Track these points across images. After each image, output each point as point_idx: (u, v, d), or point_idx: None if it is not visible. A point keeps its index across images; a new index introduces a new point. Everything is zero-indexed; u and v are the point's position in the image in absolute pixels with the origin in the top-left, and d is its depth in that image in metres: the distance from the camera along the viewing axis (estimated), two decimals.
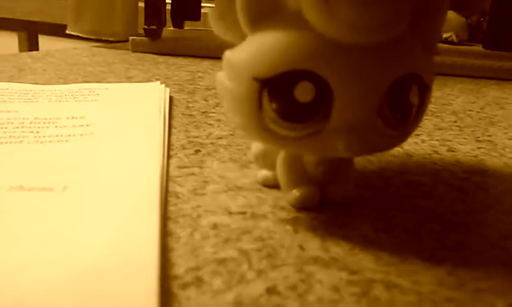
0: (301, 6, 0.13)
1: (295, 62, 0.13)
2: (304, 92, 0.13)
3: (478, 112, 0.30)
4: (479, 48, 0.47)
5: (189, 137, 0.22)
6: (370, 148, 0.14)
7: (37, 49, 1.04)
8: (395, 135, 0.14)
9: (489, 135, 0.25)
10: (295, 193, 0.16)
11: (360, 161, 0.20)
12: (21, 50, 1.06)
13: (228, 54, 0.14)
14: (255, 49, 0.13)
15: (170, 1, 0.49)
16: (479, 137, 0.24)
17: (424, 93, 0.14)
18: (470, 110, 0.30)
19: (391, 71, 0.13)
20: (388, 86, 0.13)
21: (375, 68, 0.13)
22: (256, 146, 0.17)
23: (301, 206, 0.16)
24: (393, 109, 0.13)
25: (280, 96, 0.13)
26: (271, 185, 0.17)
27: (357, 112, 0.13)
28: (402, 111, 0.14)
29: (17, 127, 0.21)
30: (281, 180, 0.16)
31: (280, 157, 0.16)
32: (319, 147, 0.14)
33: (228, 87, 0.14)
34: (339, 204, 0.16)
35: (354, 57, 0.13)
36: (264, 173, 0.17)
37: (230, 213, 0.15)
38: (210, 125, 0.24)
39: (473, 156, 0.22)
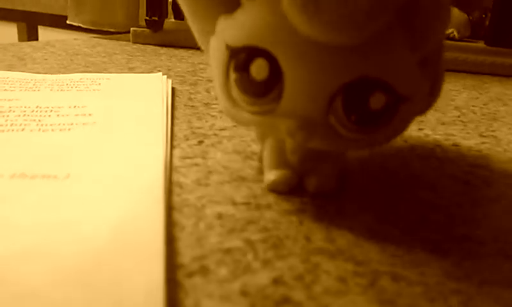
0: (285, 9, 0.12)
1: (255, 39, 0.13)
2: (258, 69, 0.13)
3: (481, 107, 0.30)
4: (481, 44, 0.47)
5: (191, 128, 0.22)
6: (321, 141, 0.14)
7: (37, 40, 1.03)
8: (355, 138, 0.14)
9: (493, 131, 0.25)
10: (270, 175, 0.16)
11: (363, 154, 0.20)
12: (20, 41, 1.06)
13: (220, 20, 0.15)
14: (236, 19, 0.14)
15: None
16: (482, 132, 0.24)
17: (397, 104, 0.13)
18: (473, 106, 0.30)
19: (347, 70, 0.13)
20: (340, 84, 0.13)
21: (330, 63, 0.13)
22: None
23: (273, 189, 0.16)
24: (347, 110, 0.13)
25: (238, 68, 0.14)
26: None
27: (304, 101, 0.13)
28: (357, 114, 0.13)
29: (19, 115, 0.21)
30: (264, 162, 0.17)
31: (267, 141, 0.16)
32: (269, 127, 0.14)
33: (213, 48, 0.15)
34: (347, 194, 0.16)
35: (312, 47, 0.13)
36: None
37: (235, 203, 0.15)
38: (213, 116, 0.24)
39: (477, 151, 0.22)
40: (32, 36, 1.12)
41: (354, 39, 0.12)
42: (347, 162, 0.18)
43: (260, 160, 0.18)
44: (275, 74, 0.13)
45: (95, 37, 0.49)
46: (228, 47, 0.14)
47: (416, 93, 0.14)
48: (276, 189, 0.16)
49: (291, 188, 0.16)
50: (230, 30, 0.14)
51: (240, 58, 0.14)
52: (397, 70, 0.13)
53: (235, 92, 0.14)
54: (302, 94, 0.13)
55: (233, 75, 0.14)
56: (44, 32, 1.12)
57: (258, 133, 0.17)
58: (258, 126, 0.15)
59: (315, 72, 0.13)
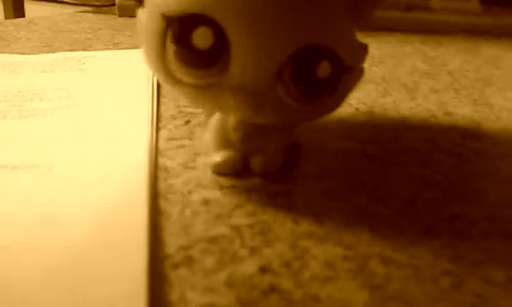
0: None
1: (197, 6, 0.12)
2: (202, 38, 0.13)
3: (474, 72, 0.29)
4: (475, 4, 0.46)
5: (179, 106, 0.22)
6: (268, 114, 0.14)
7: (23, 14, 1.01)
8: (301, 109, 0.14)
9: (486, 97, 0.24)
10: (215, 158, 0.16)
11: (355, 127, 0.20)
12: (6, 15, 1.04)
13: None
14: None
15: None
16: (476, 100, 0.24)
17: (341, 72, 0.13)
18: (466, 71, 0.29)
19: (295, 38, 0.13)
20: (289, 53, 0.13)
21: (278, 32, 0.12)
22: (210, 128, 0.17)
23: (220, 171, 0.16)
24: (296, 79, 0.13)
25: (179, 38, 0.13)
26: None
27: (253, 72, 0.13)
28: (305, 83, 0.13)
29: (0, 101, 0.21)
30: (209, 145, 0.16)
31: (211, 121, 0.16)
32: (215, 101, 0.14)
33: (143, 23, 0.14)
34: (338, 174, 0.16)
35: (259, 15, 0.12)
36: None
37: (222, 187, 0.15)
38: None
39: (470, 120, 0.21)
40: (18, 10, 1.10)
41: None
42: (296, 137, 0.17)
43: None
44: (220, 43, 0.13)
45: (80, 11, 0.48)
46: (164, 17, 0.13)
47: (358, 62, 0.14)
48: (221, 171, 0.15)
49: (237, 170, 0.15)
50: None
51: (180, 27, 0.13)
52: (342, 39, 0.13)
53: (175, 66, 0.13)
54: (251, 63, 0.13)
55: (171, 47, 0.13)
56: (30, 6, 1.09)
57: (206, 111, 0.17)
58: (202, 102, 0.14)
59: (265, 39, 0.12)
